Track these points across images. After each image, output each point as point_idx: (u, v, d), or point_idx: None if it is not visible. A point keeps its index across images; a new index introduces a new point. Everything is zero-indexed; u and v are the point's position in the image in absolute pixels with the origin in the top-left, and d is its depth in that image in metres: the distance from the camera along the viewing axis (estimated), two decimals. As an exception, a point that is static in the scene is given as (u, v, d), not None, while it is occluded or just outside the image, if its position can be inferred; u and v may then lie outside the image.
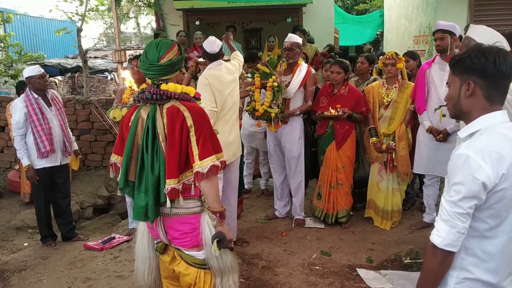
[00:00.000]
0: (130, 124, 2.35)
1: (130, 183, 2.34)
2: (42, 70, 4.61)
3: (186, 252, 2.37)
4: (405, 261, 3.96)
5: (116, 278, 3.82)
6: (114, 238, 4.70)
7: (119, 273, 3.91)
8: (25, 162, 4.45)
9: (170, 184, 2.21)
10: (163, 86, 2.29)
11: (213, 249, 2.27)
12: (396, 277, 3.70)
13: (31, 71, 4.57)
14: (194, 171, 2.23)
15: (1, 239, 4.78)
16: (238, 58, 4.38)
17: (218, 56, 4.10)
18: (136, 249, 2.56)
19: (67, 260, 4.27)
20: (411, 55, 5.35)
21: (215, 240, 2.27)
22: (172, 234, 2.36)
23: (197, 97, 2.41)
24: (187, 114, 2.24)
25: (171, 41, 2.36)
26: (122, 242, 4.60)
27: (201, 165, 2.23)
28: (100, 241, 4.62)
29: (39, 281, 3.87)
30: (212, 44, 4.05)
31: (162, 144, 2.25)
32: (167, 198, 2.22)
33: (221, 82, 3.96)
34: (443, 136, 4.26)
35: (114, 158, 2.46)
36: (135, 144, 2.31)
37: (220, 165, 2.28)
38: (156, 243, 2.47)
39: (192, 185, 2.27)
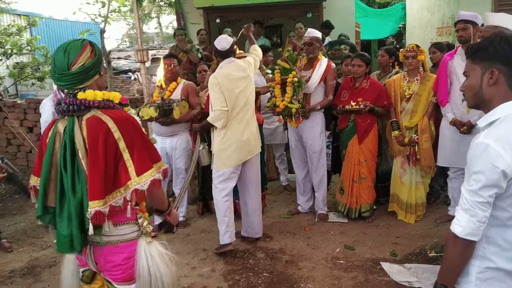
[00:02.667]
0: (47, 141, 2.04)
1: (51, 210, 1.99)
2: None
3: (116, 286, 2.09)
4: (430, 254, 3.94)
5: (142, 273, 3.90)
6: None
7: (145, 268, 3.98)
8: None
9: (93, 206, 1.88)
10: (80, 95, 1.98)
11: (162, 237, 2.27)
12: (421, 271, 3.68)
13: None
14: (131, 188, 1.93)
15: (32, 237, 4.91)
16: (255, 52, 4.35)
17: (229, 53, 4.07)
18: (61, 276, 2.27)
19: (95, 256, 4.36)
20: (438, 47, 5.24)
21: (162, 229, 2.31)
22: (103, 265, 2.06)
23: (123, 103, 2.10)
24: (111, 124, 1.94)
25: (82, 42, 2.02)
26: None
27: (140, 181, 1.94)
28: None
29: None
30: (222, 41, 4.05)
31: (83, 162, 1.93)
32: (90, 224, 1.90)
33: (230, 81, 3.95)
34: (467, 128, 4.20)
35: (34, 180, 2.11)
36: (53, 164, 1.99)
37: (161, 178, 2.04)
38: (83, 271, 2.17)
39: (129, 207, 1.96)
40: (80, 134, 1.95)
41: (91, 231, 1.91)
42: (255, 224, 4.33)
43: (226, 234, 4.09)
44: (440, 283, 1.71)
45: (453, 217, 1.67)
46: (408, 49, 4.53)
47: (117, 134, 1.93)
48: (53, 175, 1.99)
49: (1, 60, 9.92)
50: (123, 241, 2.05)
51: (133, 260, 2.05)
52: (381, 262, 3.86)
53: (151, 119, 4.46)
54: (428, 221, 4.68)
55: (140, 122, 2.09)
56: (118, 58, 16.86)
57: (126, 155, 1.94)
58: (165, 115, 4.44)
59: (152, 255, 2.07)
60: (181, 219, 4.96)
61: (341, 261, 3.92)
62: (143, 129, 2.09)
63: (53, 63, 2.03)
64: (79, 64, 1.97)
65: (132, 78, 14.52)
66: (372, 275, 3.66)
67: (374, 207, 4.85)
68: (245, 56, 4.80)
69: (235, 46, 4.20)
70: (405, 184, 4.68)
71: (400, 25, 13.43)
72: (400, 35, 14.36)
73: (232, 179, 4.13)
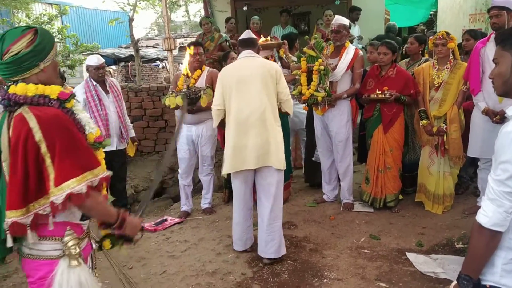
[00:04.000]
0: None
1: None
2: (101, 62, 4.77)
3: None
4: (457, 245, 3.88)
5: (168, 258, 3.98)
6: (166, 220, 4.87)
7: (171, 253, 4.06)
8: None
9: (10, 216, 1.69)
10: (11, 88, 1.77)
11: (121, 250, 2.09)
12: (447, 262, 3.63)
13: (90, 60, 4.80)
14: (50, 200, 1.71)
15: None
16: (283, 92, 3.74)
17: (248, 43, 3.80)
18: None
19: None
20: (472, 34, 5.06)
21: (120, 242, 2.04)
22: (27, 278, 1.87)
23: (62, 99, 1.83)
24: (33, 124, 1.69)
25: (25, 30, 1.80)
26: (174, 224, 4.75)
27: (57, 193, 1.70)
28: (153, 223, 4.80)
29: (96, 259, 4.07)
30: (249, 32, 3.93)
31: (4, 164, 1.75)
32: (8, 235, 1.73)
33: (233, 77, 3.66)
34: (500, 118, 4.09)
35: None
36: None
37: (85, 191, 1.73)
38: None
39: (50, 219, 1.77)
40: (7, 133, 1.75)
41: (9, 243, 1.75)
42: (262, 240, 3.75)
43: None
44: (465, 273, 1.69)
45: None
46: (438, 36, 4.43)
47: (38, 135, 1.69)
48: None
49: (33, 48, 10.18)
50: (42, 257, 1.82)
51: (47, 282, 1.80)
52: (406, 252, 3.82)
53: (177, 107, 4.50)
54: (456, 212, 4.60)
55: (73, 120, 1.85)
56: (147, 46, 17.02)
57: (48, 160, 1.71)
58: (191, 103, 4.47)
59: (70, 282, 1.79)
60: (206, 206, 5.03)
61: (366, 251, 3.91)
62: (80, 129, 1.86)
63: None
64: (11, 53, 1.74)
65: (160, 66, 14.65)
66: (397, 265, 3.64)
67: (400, 197, 4.80)
68: (273, 45, 4.79)
69: (262, 35, 4.17)
70: (433, 174, 4.61)
71: (431, 12, 13.11)
72: (431, 22, 14.02)
73: (241, 186, 3.80)
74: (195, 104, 4.49)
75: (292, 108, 3.86)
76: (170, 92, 4.57)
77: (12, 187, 1.71)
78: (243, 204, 3.85)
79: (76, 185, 1.71)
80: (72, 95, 1.89)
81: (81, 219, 1.94)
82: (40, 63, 1.80)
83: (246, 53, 3.75)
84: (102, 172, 1.82)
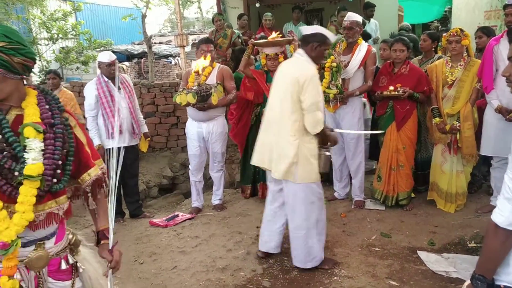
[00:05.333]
0: None
1: None
2: (113, 58, 4.79)
3: None
4: (469, 245, 3.85)
5: (179, 253, 4.00)
6: (177, 216, 4.90)
7: (182, 248, 4.08)
8: (96, 142, 4.73)
9: None
10: None
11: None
12: (459, 261, 3.60)
13: (102, 56, 4.82)
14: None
15: (75, 215, 5.11)
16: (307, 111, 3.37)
17: (302, 42, 3.51)
18: None
19: (134, 236, 4.51)
20: (485, 31, 4.98)
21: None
22: None
23: None
24: None
25: None
26: (185, 220, 4.77)
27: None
28: (165, 219, 4.82)
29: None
30: (308, 28, 3.62)
31: None
32: None
33: (278, 72, 3.60)
34: (513, 116, 4.04)
35: None
36: None
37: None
38: None
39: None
40: None
41: None
42: (293, 248, 3.61)
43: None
44: (479, 273, 1.67)
45: (495, 207, 1.61)
46: (452, 33, 4.38)
47: None
48: None
49: (47, 44, 10.26)
50: None
51: None
52: (418, 251, 3.80)
53: (188, 105, 4.50)
54: (469, 211, 4.56)
55: None
56: (160, 43, 17.08)
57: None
58: (202, 100, 4.47)
59: None
60: (217, 202, 5.04)
61: (377, 249, 3.89)
62: None
63: None
64: None
65: (173, 63, 14.70)
66: (408, 264, 3.61)
67: (412, 195, 4.76)
68: (282, 41, 4.78)
69: (273, 31, 4.13)
70: (446, 173, 4.57)
71: (446, 9, 12.96)
72: (445, 19, 13.86)
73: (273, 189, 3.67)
74: (206, 101, 4.50)
75: (313, 125, 3.33)
76: (181, 90, 4.57)
77: None
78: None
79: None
80: None
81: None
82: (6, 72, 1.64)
83: (297, 51, 3.56)
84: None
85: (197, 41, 5.10)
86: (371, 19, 7.67)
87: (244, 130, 5.14)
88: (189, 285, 3.45)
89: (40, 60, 9.92)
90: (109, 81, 4.77)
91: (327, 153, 3.76)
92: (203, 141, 4.80)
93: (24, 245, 1.74)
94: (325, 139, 3.53)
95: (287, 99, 3.35)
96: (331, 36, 3.50)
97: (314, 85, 3.30)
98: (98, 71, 4.85)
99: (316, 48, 3.39)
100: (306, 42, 3.42)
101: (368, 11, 7.67)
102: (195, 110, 4.61)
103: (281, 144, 3.41)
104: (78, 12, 12.15)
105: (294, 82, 3.30)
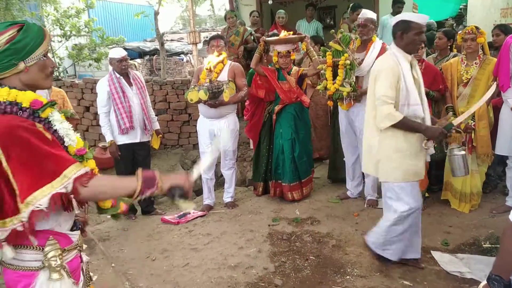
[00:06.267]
0: None
1: None
2: (124, 54, 4.81)
3: None
4: (484, 245, 3.80)
5: (190, 250, 4.00)
6: (189, 213, 4.88)
7: (193, 246, 4.08)
8: (108, 137, 4.75)
9: None
10: None
11: (184, 206, 1.79)
12: (474, 262, 3.56)
13: (113, 53, 4.84)
14: (27, 211, 1.56)
15: (88, 212, 5.14)
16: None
17: (393, 34, 3.31)
18: None
19: (146, 233, 4.52)
20: (503, 29, 4.89)
21: (177, 198, 1.74)
22: None
23: (35, 108, 1.67)
24: None
25: (10, 25, 1.67)
26: (197, 217, 4.77)
27: (23, 209, 1.55)
28: (176, 216, 4.83)
29: (120, 250, 4.14)
30: (393, 19, 3.45)
31: None
32: None
33: None
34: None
35: None
36: None
37: (64, 191, 1.58)
38: None
39: (30, 239, 1.63)
40: None
41: None
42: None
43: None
44: (495, 273, 1.65)
45: (511, 208, 1.58)
46: (467, 31, 4.32)
47: None
48: None
49: (60, 41, 10.32)
50: (22, 268, 1.69)
51: None
52: (431, 251, 3.76)
53: (199, 101, 4.50)
54: (484, 211, 4.50)
55: (41, 129, 1.64)
56: (171, 40, 17.11)
57: (10, 175, 1.57)
58: (214, 97, 4.47)
59: None
60: (229, 200, 5.04)
61: (390, 248, 3.85)
62: (43, 136, 1.64)
63: None
64: None
65: (185, 60, 14.72)
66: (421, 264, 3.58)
67: (426, 194, 4.71)
68: (294, 39, 4.75)
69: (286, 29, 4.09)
70: (460, 172, 4.51)
71: (461, 6, 12.83)
72: (460, 16, 13.72)
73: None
74: (217, 98, 4.49)
75: (380, 119, 3.19)
76: (193, 86, 4.56)
77: None
78: None
79: (41, 198, 1.55)
80: (49, 104, 1.72)
81: (72, 229, 1.81)
82: (20, 63, 1.65)
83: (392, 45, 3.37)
84: (77, 169, 1.62)
85: (208, 39, 5.10)
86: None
87: (257, 126, 5.16)
88: (200, 282, 3.44)
89: (53, 57, 9.98)
90: (121, 77, 4.78)
91: (458, 153, 3.43)
92: (214, 139, 4.80)
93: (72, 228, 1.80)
94: (425, 135, 3.24)
95: (370, 95, 3.34)
96: (416, 17, 3.23)
97: (386, 76, 3.16)
98: (110, 68, 4.87)
99: (402, 36, 3.19)
100: (393, 34, 3.27)
101: (396, 7, 7.59)
102: (206, 107, 4.61)
103: (367, 141, 3.43)
104: (91, 9, 12.20)
105: (373, 76, 3.30)
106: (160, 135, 5.23)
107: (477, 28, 4.31)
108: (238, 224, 4.51)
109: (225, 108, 4.65)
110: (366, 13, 4.58)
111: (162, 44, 8.84)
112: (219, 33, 6.74)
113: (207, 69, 4.60)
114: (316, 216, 4.56)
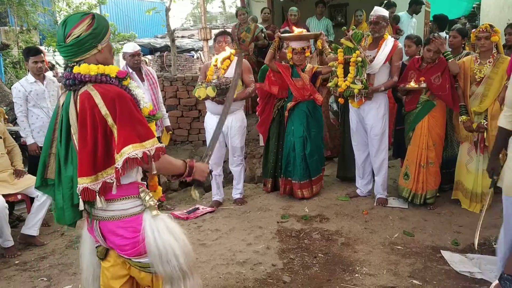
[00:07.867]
0: (51, 115, 2.07)
1: (50, 182, 2.08)
2: (136, 49, 4.82)
3: (132, 259, 2.08)
4: (494, 246, 3.75)
5: (199, 246, 4.00)
6: (198, 208, 4.91)
7: (202, 241, 4.09)
8: None
9: (82, 183, 1.89)
10: (75, 69, 1.96)
11: (194, 195, 2.36)
12: (484, 262, 3.52)
13: (126, 47, 4.86)
14: (121, 160, 1.87)
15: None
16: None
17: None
18: (80, 253, 2.30)
19: (156, 227, 4.53)
20: None
21: (194, 187, 2.35)
22: (113, 240, 2.05)
23: (120, 77, 2.03)
24: (98, 100, 1.89)
25: (84, 15, 2.00)
26: (206, 213, 4.78)
27: (118, 159, 1.87)
28: (186, 211, 4.85)
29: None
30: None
31: (74, 137, 1.95)
32: (81, 200, 1.93)
33: None
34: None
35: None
36: (54, 138, 2.06)
37: (140, 156, 1.87)
38: (96, 247, 2.17)
39: (114, 184, 1.94)
40: (74, 109, 1.95)
41: (81, 206, 1.94)
42: None
43: None
44: (508, 273, 1.63)
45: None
46: (481, 29, 4.27)
47: (104, 110, 1.88)
48: (54, 149, 2.06)
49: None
50: (127, 215, 2.01)
51: (139, 235, 2.00)
52: (441, 250, 3.73)
53: (207, 98, 4.49)
54: (495, 212, 4.43)
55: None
56: (182, 37, 17.14)
57: (115, 131, 1.88)
58: (222, 94, 4.46)
59: (159, 229, 2.01)
60: (238, 196, 5.04)
61: (399, 247, 3.83)
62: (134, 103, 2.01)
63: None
64: (73, 36, 1.93)
65: (195, 56, 14.76)
66: (431, 263, 3.55)
67: (437, 194, 4.68)
68: (309, 36, 4.73)
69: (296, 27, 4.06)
70: (471, 172, 4.47)
71: (474, 5, 12.70)
72: (473, 15, 13.59)
73: None
74: (225, 94, 4.48)
75: None
76: (200, 83, 4.55)
77: (83, 157, 1.90)
78: None
79: (132, 150, 1.85)
80: (128, 74, 2.08)
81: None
82: (98, 45, 1.99)
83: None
84: (157, 143, 1.97)
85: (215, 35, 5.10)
86: (414, 16, 7.55)
87: (267, 122, 5.19)
88: (209, 277, 3.45)
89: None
90: (133, 72, 4.80)
91: None
92: (222, 135, 4.79)
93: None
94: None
95: None
96: None
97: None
98: (122, 63, 4.90)
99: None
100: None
101: (417, 7, 7.55)
102: (213, 103, 4.61)
103: None
104: (102, 5, 12.27)
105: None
106: (170, 132, 5.25)
107: (491, 26, 4.26)
108: (247, 221, 4.51)
109: (232, 104, 4.63)
110: (378, 11, 4.55)
111: (173, 41, 8.84)
112: (230, 30, 6.75)
113: (214, 65, 4.60)
114: (325, 214, 4.55)
